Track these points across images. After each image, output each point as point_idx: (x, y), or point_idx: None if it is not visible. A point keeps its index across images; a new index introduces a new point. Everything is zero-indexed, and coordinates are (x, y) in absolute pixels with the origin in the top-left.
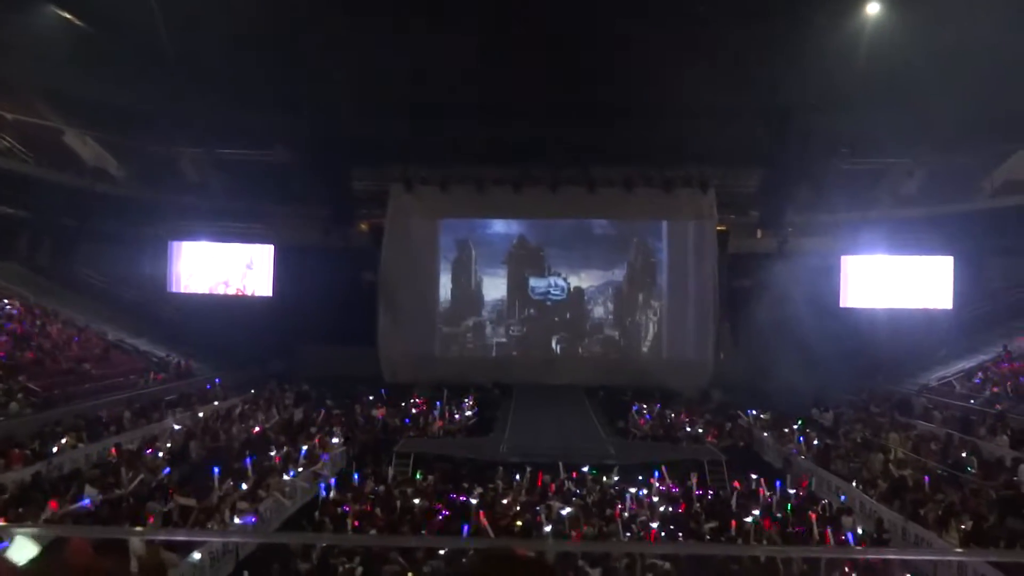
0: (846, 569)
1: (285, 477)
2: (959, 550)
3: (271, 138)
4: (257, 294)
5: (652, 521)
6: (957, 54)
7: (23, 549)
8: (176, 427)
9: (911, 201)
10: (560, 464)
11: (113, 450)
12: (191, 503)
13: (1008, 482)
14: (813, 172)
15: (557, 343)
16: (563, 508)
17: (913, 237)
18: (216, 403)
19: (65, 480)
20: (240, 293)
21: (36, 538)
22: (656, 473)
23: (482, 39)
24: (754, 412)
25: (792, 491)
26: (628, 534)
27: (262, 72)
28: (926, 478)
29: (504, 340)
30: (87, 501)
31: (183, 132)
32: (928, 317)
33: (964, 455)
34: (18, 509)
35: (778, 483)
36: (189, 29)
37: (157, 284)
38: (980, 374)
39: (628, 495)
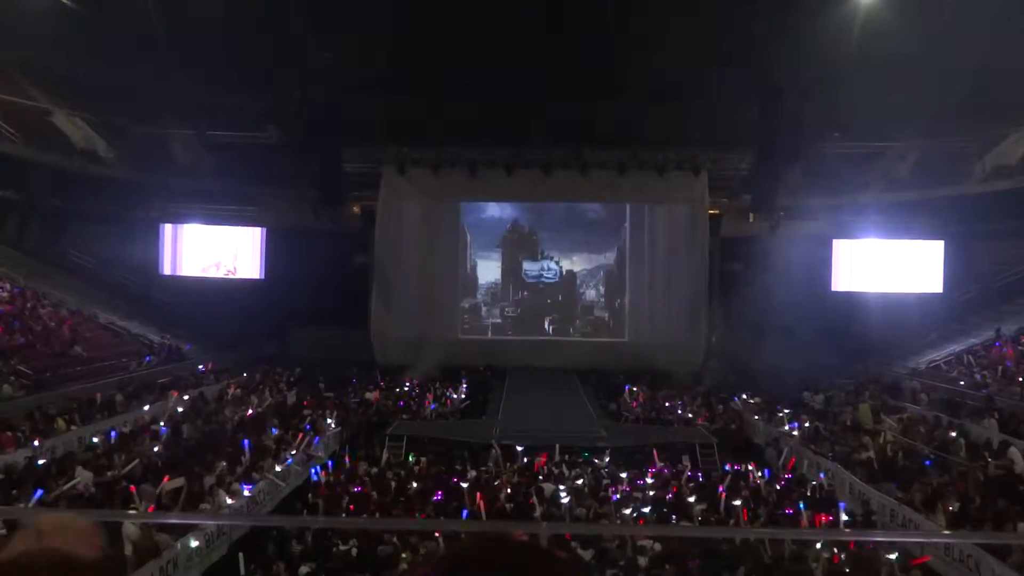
0: (835, 550)
1: (280, 463)
2: (946, 532)
3: (262, 119)
4: (248, 276)
5: (644, 504)
6: (950, 38)
7: None
8: (170, 407)
9: (902, 185)
10: (556, 447)
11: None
12: (179, 484)
13: (997, 464)
14: (805, 155)
15: (549, 324)
16: (555, 491)
17: (904, 221)
18: (206, 386)
19: (58, 463)
20: (231, 275)
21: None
22: (652, 453)
23: (477, 18)
24: (744, 396)
25: (781, 475)
26: (620, 517)
27: (253, 52)
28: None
29: (499, 321)
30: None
31: (173, 113)
32: (919, 301)
33: (954, 435)
34: (11, 491)
35: (766, 472)
36: (178, 7)
37: (148, 266)
38: (969, 357)
39: (621, 477)
